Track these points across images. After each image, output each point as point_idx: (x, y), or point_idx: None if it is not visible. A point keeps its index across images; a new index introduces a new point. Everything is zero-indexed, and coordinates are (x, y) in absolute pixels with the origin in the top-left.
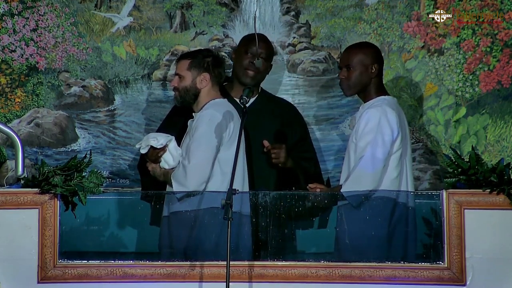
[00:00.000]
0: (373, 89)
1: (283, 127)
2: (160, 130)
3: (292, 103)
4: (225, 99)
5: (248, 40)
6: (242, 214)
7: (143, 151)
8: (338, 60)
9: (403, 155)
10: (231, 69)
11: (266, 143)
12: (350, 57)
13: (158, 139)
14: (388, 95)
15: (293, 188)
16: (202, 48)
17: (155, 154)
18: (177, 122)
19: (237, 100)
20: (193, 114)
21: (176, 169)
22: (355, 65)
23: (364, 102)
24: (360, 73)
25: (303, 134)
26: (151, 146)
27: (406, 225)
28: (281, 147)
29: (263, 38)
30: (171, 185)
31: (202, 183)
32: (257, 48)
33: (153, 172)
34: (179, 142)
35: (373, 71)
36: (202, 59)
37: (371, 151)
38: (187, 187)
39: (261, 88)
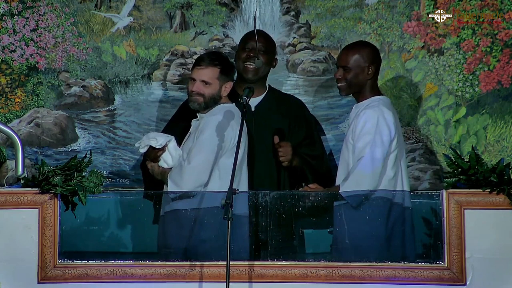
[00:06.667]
0: (368, 89)
1: (290, 126)
2: (166, 130)
3: None
4: (233, 104)
5: (246, 37)
6: (241, 215)
7: (142, 151)
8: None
9: (399, 155)
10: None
11: (276, 138)
12: (348, 58)
13: (157, 140)
14: (382, 94)
15: (303, 185)
16: (214, 52)
17: (154, 153)
18: (181, 123)
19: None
20: (198, 114)
21: (173, 169)
22: (352, 67)
23: (358, 102)
24: (356, 74)
25: (309, 131)
26: (151, 146)
27: (404, 225)
28: (287, 145)
29: (260, 33)
30: (167, 184)
31: (198, 186)
32: (254, 45)
33: (151, 170)
34: (181, 141)
35: (369, 72)
36: (229, 68)
37: (370, 152)
38: (181, 188)
39: (269, 86)
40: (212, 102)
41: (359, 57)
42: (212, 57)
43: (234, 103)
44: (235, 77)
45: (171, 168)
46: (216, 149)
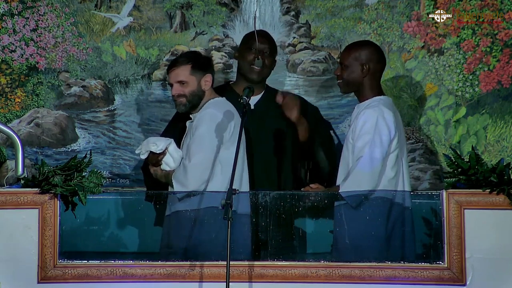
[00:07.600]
0: (368, 89)
1: (289, 126)
2: (166, 131)
3: None
4: (224, 98)
5: (251, 37)
6: (241, 214)
7: (143, 157)
8: (338, 60)
9: (400, 154)
10: (233, 69)
11: (280, 98)
12: (346, 56)
13: (157, 144)
14: (384, 95)
15: (305, 178)
16: (186, 52)
17: (155, 158)
18: (178, 126)
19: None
20: (191, 115)
21: (177, 169)
22: (348, 64)
23: (360, 102)
24: (352, 72)
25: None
26: (151, 151)
27: (404, 225)
28: (293, 99)
29: (264, 34)
30: (172, 186)
31: (202, 183)
32: (257, 46)
33: (154, 174)
34: (178, 144)
35: (364, 70)
36: (201, 61)
37: (369, 151)
38: (187, 186)
39: (267, 85)
40: (196, 99)
41: (356, 55)
42: (182, 56)
43: (224, 97)
44: (233, 74)
45: (173, 170)
46: (214, 143)
